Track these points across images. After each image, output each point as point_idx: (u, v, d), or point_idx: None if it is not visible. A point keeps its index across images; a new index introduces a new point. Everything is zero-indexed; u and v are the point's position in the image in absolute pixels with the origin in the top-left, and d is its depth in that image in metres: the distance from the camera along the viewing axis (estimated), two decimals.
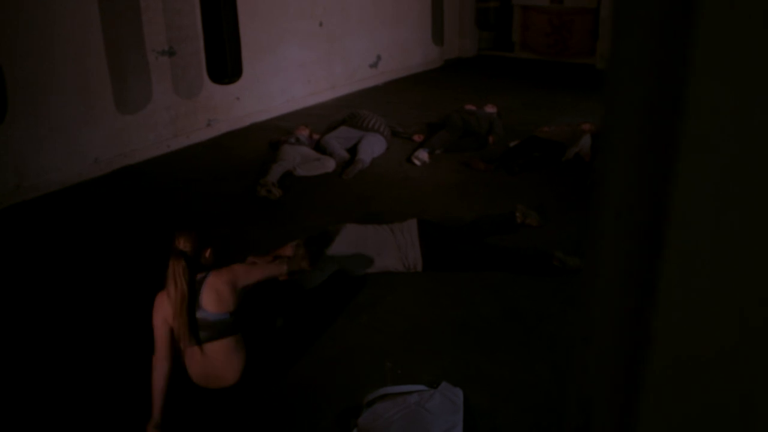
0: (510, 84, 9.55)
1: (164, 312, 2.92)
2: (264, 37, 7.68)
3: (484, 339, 3.53)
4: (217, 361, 2.98)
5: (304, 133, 6.54)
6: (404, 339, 3.55)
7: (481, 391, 3.10)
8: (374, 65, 9.66)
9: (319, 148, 6.36)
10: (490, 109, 7.17)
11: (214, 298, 2.94)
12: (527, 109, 8.09)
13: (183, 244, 2.97)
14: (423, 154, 6.22)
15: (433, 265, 4.16)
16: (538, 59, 11.15)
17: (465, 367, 3.29)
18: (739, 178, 0.46)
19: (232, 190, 5.67)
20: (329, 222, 4.64)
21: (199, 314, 2.94)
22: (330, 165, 6.02)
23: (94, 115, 5.99)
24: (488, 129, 6.80)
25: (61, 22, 5.62)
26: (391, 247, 4.14)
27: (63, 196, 5.65)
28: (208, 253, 3.07)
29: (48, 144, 5.66)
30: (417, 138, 6.81)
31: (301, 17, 8.20)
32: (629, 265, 0.56)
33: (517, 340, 3.50)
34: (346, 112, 7.19)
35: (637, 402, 0.54)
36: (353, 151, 6.31)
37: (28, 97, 5.43)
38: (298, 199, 5.44)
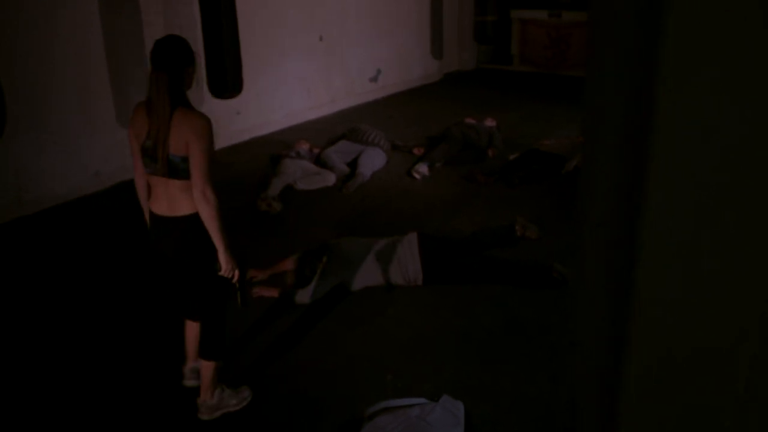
0: (509, 97, 9.59)
1: (137, 128, 2.80)
2: (264, 51, 7.73)
3: (486, 350, 3.53)
4: (168, 194, 2.81)
5: (304, 147, 6.57)
6: (405, 350, 3.55)
7: (482, 402, 3.10)
8: (374, 79, 9.71)
9: (320, 162, 6.38)
10: (490, 122, 7.20)
11: (174, 138, 2.70)
12: (526, 122, 8.13)
13: (166, 55, 2.72)
14: (423, 168, 6.25)
15: (434, 278, 4.17)
16: (536, 72, 11.21)
17: (466, 378, 3.29)
18: (709, 189, 0.48)
19: (232, 204, 5.67)
20: (330, 235, 4.65)
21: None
22: (330, 179, 6.05)
23: (95, 128, 6.02)
24: (488, 142, 6.83)
25: (62, 36, 5.65)
26: (391, 260, 4.15)
27: (64, 210, 5.66)
28: (191, 71, 2.81)
29: (49, 157, 5.68)
30: (417, 151, 6.84)
31: (300, 31, 8.25)
32: (608, 273, 0.58)
33: (519, 351, 3.51)
34: (346, 126, 7.22)
35: (618, 402, 0.55)
36: (353, 165, 6.33)
37: (29, 110, 5.46)
38: (298, 213, 5.46)
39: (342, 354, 3.55)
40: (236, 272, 2.90)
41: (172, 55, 2.72)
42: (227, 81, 7.09)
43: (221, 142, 7.33)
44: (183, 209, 2.80)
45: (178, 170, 2.74)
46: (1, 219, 5.34)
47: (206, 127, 2.71)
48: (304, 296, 4.01)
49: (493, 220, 5.09)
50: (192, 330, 3.23)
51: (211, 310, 3.06)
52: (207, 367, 3.07)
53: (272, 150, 6.92)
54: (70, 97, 5.78)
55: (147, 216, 3.01)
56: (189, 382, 3.28)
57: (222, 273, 2.86)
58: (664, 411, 0.53)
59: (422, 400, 3.08)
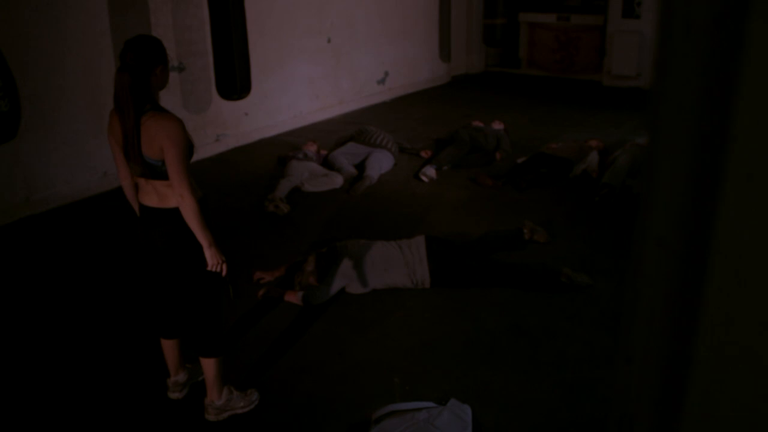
0: (517, 100, 9.58)
1: (116, 133, 2.80)
2: (273, 53, 7.74)
3: (492, 355, 3.52)
4: (157, 191, 2.83)
5: (312, 148, 6.57)
6: (412, 354, 3.54)
7: (488, 407, 3.09)
8: (382, 81, 9.71)
9: (327, 163, 6.38)
10: (498, 125, 7.19)
11: (147, 142, 2.70)
12: (534, 125, 8.11)
13: (131, 56, 2.67)
14: (430, 171, 6.24)
15: (441, 282, 4.16)
16: (544, 75, 11.19)
17: (472, 383, 3.28)
18: None
19: (239, 205, 5.69)
20: (337, 238, 4.65)
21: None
22: (338, 181, 6.04)
23: (103, 128, 6.02)
24: (495, 145, 6.82)
25: (72, 37, 5.67)
26: (398, 263, 4.14)
27: (72, 209, 5.68)
28: (159, 71, 2.75)
29: (57, 157, 5.70)
30: (424, 154, 6.83)
31: (309, 33, 8.26)
32: (671, 289, 0.56)
33: (525, 356, 3.49)
34: (353, 128, 7.22)
35: (678, 421, 0.54)
36: (361, 167, 6.33)
37: (38, 111, 5.48)
38: (305, 215, 5.45)
39: (348, 357, 3.55)
40: (224, 266, 2.87)
41: (136, 55, 2.68)
42: (236, 82, 7.11)
43: (229, 142, 7.34)
44: (173, 202, 2.80)
45: (159, 172, 2.75)
46: (10, 218, 5.36)
47: (178, 130, 2.70)
48: (317, 298, 4.01)
49: (501, 224, 5.08)
50: (168, 344, 3.20)
51: (204, 305, 3.01)
52: (208, 365, 3.05)
53: (280, 151, 6.93)
54: (79, 98, 5.80)
55: (137, 210, 3.00)
56: (173, 395, 3.25)
57: (209, 268, 2.84)
58: (728, 428, 0.52)
59: (430, 403, 3.07)
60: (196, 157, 7.39)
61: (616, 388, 0.72)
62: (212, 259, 2.83)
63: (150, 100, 2.74)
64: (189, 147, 2.78)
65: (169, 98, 6.55)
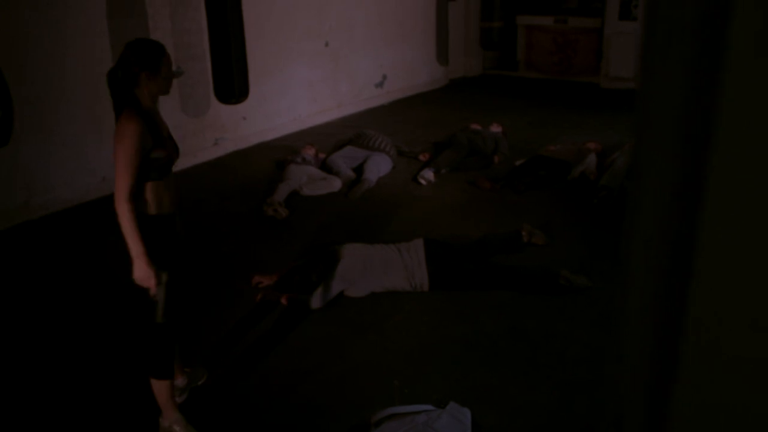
0: (515, 103, 9.59)
1: None
2: (271, 56, 7.75)
3: (491, 357, 3.52)
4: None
5: (310, 152, 6.58)
6: (411, 357, 3.55)
7: (487, 410, 3.09)
8: (380, 85, 9.73)
9: (326, 167, 6.39)
10: (496, 128, 7.20)
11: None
12: (532, 127, 8.13)
13: (120, 58, 2.72)
14: (429, 174, 6.24)
15: (440, 285, 4.16)
16: (542, 78, 11.21)
17: (472, 386, 3.28)
18: None
19: (238, 210, 5.69)
20: (335, 241, 4.65)
21: None
22: (336, 184, 6.05)
23: (102, 133, 6.04)
24: (494, 148, 6.83)
25: (71, 41, 5.68)
26: (397, 266, 4.15)
27: (71, 214, 5.68)
28: (144, 77, 2.72)
29: (57, 161, 5.70)
30: (423, 157, 6.84)
31: (307, 37, 8.27)
32: (658, 288, 0.57)
33: (524, 358, 3.50)
34: (352, 131, 7.23)
35: (666, 418, 0.55)
36: (359, 170, 6.34)
37: (38, 114, 5.49)
38: (304, 219, 5.46)
39: (348, 360, 3.55)
40: (152, 283, 2.65)
41: (123, 58, 2.72)
42: (234, 86, 7.11)
43: (227, 146, 7.35)
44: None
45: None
46: (9, 223, 5.36)
47: (127, 131, 2.61)
48: (316, 301, 4.01)
49: (499, 226, 5.08)
50: None
51: (149, 321, 2.81)
52: (152, 384, 2.91)
53: (278, 155, 6.93)
54: (79, 103, 5.80)
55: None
56: None
57: (136, 282, 2.64)
58: (715, 426, 0.53)
59: (429, 406, 3.07)
60: (194, 161, 7.42)
61: (607, 386, 0.73)
62: (138, 272, 2.62)
63: (132, 103, 2.72)
64: (148, 152, 2.67)
65: (167, 102, 6.56)
